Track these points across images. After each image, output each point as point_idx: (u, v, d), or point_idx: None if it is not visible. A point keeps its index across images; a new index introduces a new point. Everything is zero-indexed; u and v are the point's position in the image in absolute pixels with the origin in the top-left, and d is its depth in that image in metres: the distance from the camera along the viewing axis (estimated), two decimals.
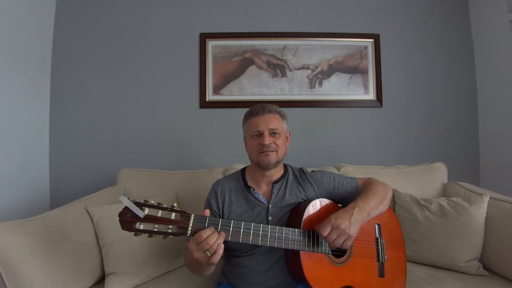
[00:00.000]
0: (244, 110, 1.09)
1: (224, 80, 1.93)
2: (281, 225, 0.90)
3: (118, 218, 0.73)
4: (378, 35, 1.97)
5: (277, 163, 1.02)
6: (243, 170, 1.13)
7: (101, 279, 1.19)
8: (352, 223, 0.85)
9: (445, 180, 1.62)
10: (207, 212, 0.81)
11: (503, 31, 1.75)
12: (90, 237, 1.18)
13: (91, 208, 1.23)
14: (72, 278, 1.05)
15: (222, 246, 0.76)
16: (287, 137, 1.08)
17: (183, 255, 1.25)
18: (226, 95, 1.93)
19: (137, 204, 0.74)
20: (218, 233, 0.77)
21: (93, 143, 1.87)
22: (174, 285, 1.17)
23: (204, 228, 0.77)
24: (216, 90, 1.93)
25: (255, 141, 1.00)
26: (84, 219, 1.20)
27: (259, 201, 1.01)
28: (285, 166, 1.11)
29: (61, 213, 1.18)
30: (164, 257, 1.26)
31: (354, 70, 1.96)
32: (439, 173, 1.62)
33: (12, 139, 1.56)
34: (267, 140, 0.98)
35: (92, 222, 1.20)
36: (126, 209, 0.73)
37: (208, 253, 0.74)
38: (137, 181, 1.57)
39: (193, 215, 0.78)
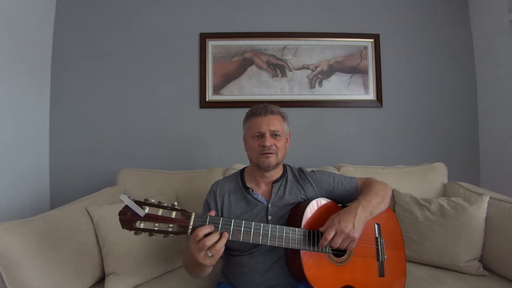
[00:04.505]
0: (244, 110, 1.09)
1: (224, 80, 1.93)
2: (281, 225, 0.90)
3: (118, 217, 0.72)
4: (378, 35, 1.97)
5: (276, 165, 1.02)
6: (242, 171, 1.13)
7: (101, 279, 1.18)
8: (356, 225, 0.85)
9: (445, 180, 1.62)
10: (213, 213, 0.81)
11: (503, 31, 1.76)
12: (90, 237, 1.18)
13: (91, 208, 1.23)
14: (72, 278, 1.05)
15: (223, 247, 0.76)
16: (287, 139, 1.08)
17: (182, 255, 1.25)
18: (226, 95, 1.93)
19: (138, 202, 0.73)
20: (220, 234, 0.77)
21: (93, 143, 1.87)
22: (174, 285, 1.17)
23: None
24: (216, 90, 1.93)
25: (256, 142, 1.00)
26: (84, 219, 1.20)
27: (258, 201, 1.01)
28: (284, 166, 1.11)
29: (61, 213, 1.18)
30: (164, 257, 1.26)
31: (354, 70, 1.96)
32: (439, 173, 1.62)
33: (12, 139, 1.56)
34: (268, 142, 0.98)
35: (92, 222, 1.20)
36: (127, 207, 0.73)
37: (209, 253, 0.74)
38: (137, 181, 1.57)
39: (193, 213, 0.78)
